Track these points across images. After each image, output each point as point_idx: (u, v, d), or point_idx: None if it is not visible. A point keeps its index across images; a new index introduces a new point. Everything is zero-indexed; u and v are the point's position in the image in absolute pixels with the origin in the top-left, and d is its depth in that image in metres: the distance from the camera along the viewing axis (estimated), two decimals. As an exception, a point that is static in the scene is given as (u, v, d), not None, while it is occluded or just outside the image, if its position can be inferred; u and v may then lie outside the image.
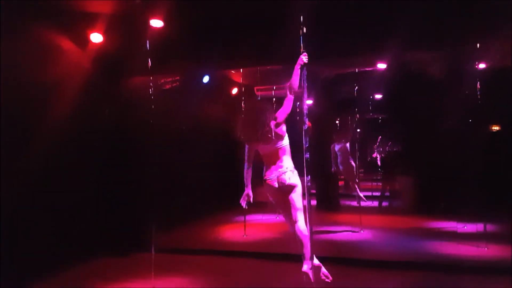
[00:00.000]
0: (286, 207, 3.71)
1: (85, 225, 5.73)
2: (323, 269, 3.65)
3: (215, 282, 4.77)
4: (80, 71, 5.69)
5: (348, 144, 7.73)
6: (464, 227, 6.70)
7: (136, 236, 5.91)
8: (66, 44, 5.52)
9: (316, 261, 3.62)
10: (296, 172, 3.71)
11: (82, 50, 5.71)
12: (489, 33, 5.53)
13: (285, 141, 3.74)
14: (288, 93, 3.53)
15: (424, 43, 5.89)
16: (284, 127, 3.70)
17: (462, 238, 6.13)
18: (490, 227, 6.00)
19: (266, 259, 5.55)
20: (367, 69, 7.64)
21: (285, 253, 5.29)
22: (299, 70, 3.41)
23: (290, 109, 3.65)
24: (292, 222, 3.66)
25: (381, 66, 7.23)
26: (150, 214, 5.08)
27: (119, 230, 6.04)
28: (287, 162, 3.70)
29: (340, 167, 7.80)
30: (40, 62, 5.12)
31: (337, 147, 7.82)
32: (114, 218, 6.11)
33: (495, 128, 7.77)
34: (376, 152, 10.12)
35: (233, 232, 7.06)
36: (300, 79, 3.43)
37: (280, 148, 3.70)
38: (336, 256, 5.40)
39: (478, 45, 5.97)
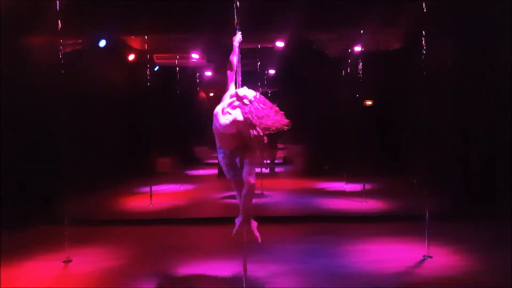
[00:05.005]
0: None
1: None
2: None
3: (127, 249, 4.77)
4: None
5: None
6: (344, 186, 7.86)
7: (38, 209, 5.59)
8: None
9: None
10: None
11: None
12: (370, 20, 6.51)
13: None
14: (227, 71, 3.43)
15: (315, 26, 6.73)
16: None
17: (345, 195, 7.27)
18: (368, 186, 7.23)
19: (174, 224, 5.80)
20: (267, 45, 8.14)
21: (191, 217, 5.90)
22: (237, 48, 3.38)
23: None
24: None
25: (280, 44, 7.79)
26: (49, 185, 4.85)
27: (23, 203, 5.62)
28: None
29: None
30: None
31: None
32: (18, 191, 5.69)
33: (369, 102, 9.05)
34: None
35: (139, 203, 7.01)
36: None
37: None
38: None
39: (361, 31, 7.01)
